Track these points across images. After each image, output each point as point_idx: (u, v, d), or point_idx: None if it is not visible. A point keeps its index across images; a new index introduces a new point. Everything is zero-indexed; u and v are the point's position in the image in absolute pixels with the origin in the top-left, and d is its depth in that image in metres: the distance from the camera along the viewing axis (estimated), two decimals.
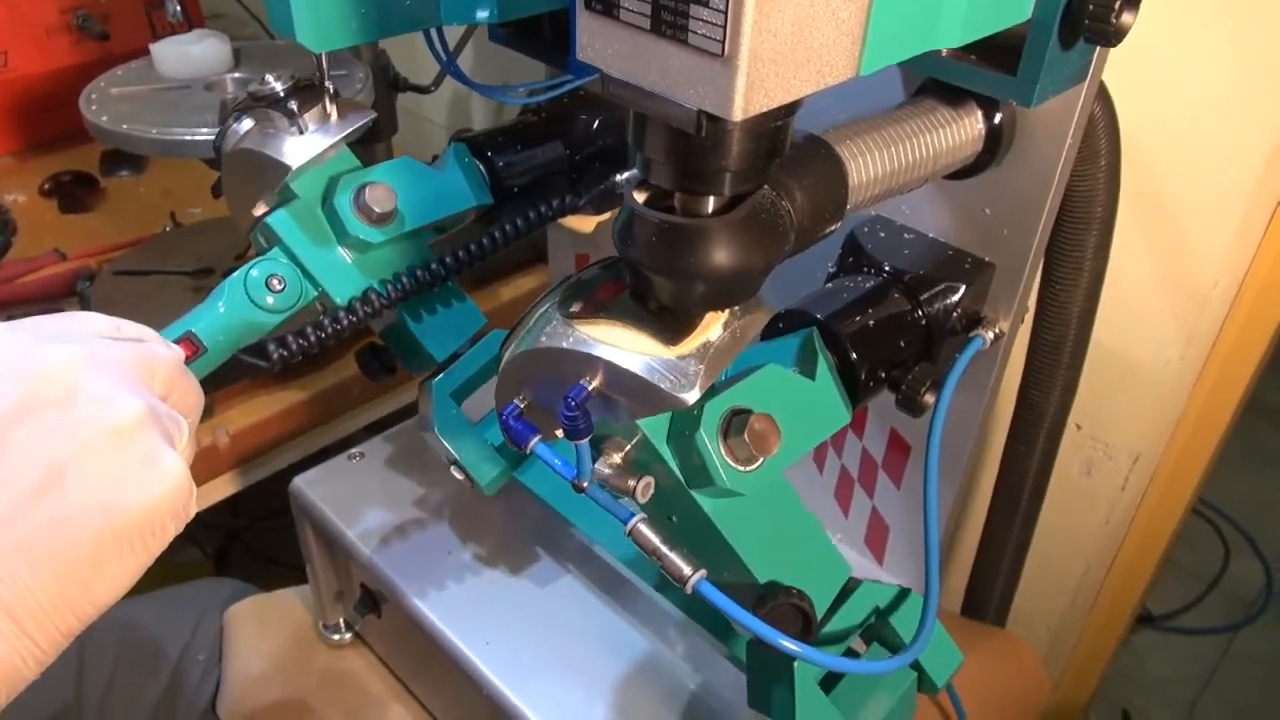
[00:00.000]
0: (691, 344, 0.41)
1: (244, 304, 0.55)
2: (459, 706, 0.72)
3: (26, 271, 1.09)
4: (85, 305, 1.01)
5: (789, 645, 0.44)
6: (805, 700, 0.50)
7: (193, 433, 0.40)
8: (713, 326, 0.42)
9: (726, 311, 0.43)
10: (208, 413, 0.70)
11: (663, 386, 0.40)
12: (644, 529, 0.44)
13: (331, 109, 0.58)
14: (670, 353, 0.41)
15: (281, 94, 0.56)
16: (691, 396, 0.40)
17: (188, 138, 0.82)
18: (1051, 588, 1.02)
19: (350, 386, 1.00)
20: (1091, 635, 1.05)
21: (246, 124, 0.58)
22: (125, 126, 0.83)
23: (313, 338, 0.57)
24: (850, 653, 0.54)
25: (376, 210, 0.57)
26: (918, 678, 0.58)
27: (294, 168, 0.56)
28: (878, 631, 0.55)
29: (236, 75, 0.95)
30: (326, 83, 0.57)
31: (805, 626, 0.46)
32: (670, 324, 0.42)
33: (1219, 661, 1.66)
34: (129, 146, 0.84)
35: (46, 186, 1.27)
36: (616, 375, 0.41)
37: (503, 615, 0.67)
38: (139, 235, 1.15)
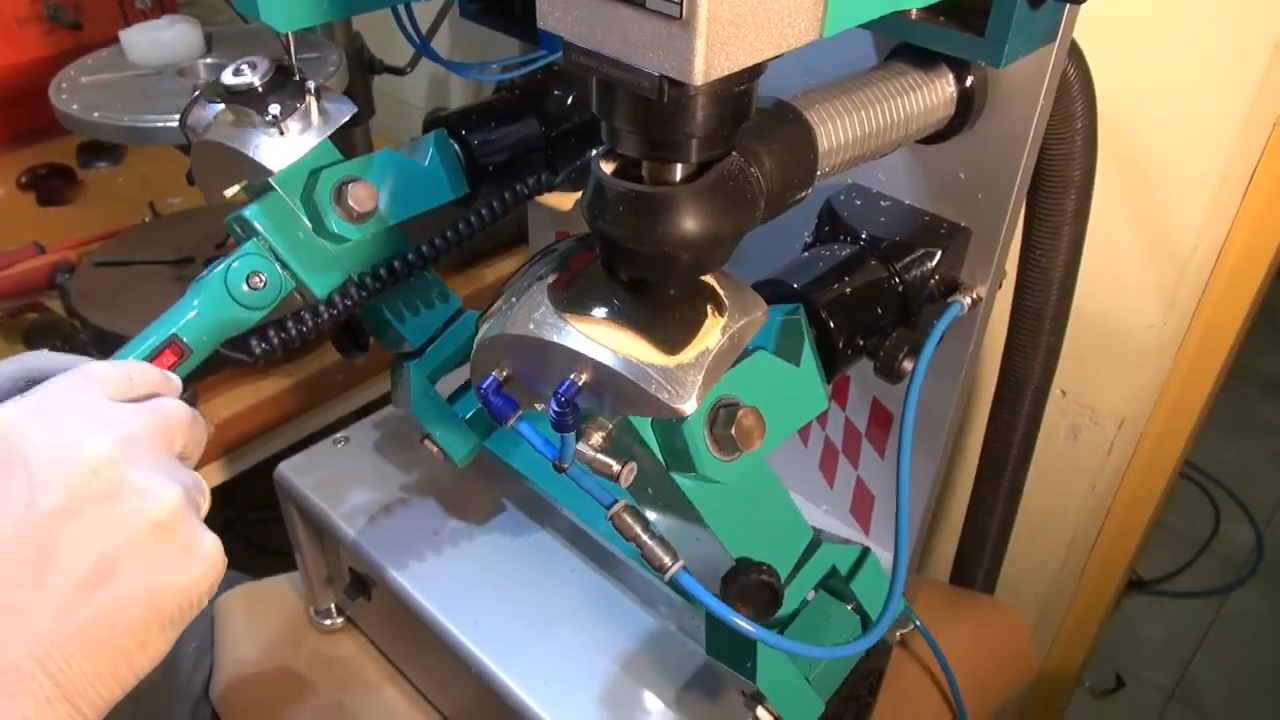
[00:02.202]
0: (691, 352, 0.40)
1: (225, 302, 0.55)
2: (451, 686, 0.72)
3: (4, 266, 1.08)
4: (65, 297, 1.00)
5: (772, 639, 0.46)
6: (765, 652, 0.52)
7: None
8: (712, 332, 0.41)
9: (725, 315, 0.42)
10: (190, 402, 0.70)
11: (661, 397, 0.39)
12: (626, 516, 0.45)
13: (312, 105, 0.56)
14: (669, 361, 0.40)
15: (260, 88, 0.54)
16: (689, 407, 0.39)
17: (160, 125, 0.81)
18: (1040, 554, 1.03)
19: (334, 372, 0.99)
20: (1082, 601, 1.06)
21: (216, 110, 0.57)
22: (96, 115, 0.82)
23: (293, 331, 0.57)
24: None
25: (357, 209, 0.57)
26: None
27: (276, 170, 0.55)
28: (826, 580, 0.56)
29: (209, 60, 0.94)
30: (308, 81, 0.55)
31: (772, 599, 0.47)
32: (669, 328, 0.40)
33: (1211, 624, 1.68)
34: (101, 135, 0.83)
35: (23, 180, 1.26)
36: (611, 378, 0.40)
37: (490, 593, 0.67)
38: (118, 226, 1.14)
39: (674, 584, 0.44)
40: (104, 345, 0.95)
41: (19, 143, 1.34)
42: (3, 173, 1.28)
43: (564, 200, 0.77)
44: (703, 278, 0.42)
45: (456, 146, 0.65)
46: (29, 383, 0.44)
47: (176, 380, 0.45)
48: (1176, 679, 1.59)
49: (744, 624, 0.45)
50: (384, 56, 1.10)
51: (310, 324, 0.58)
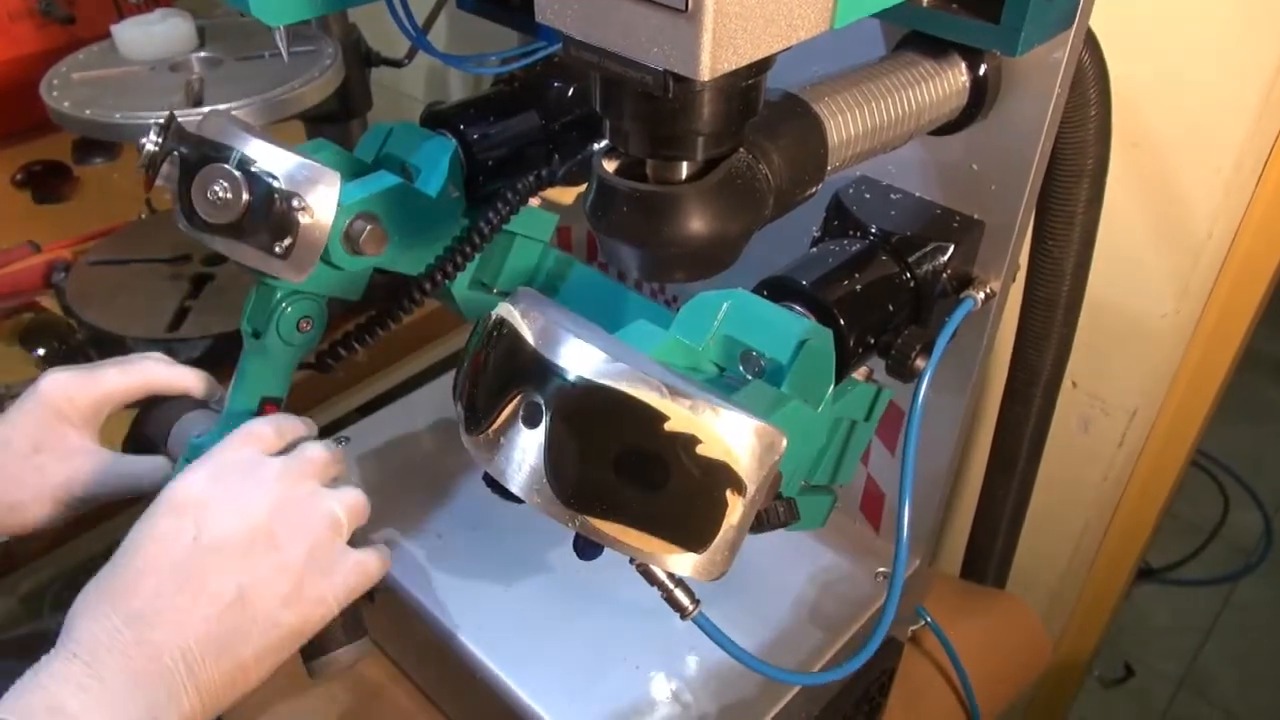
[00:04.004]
0: (717, 538, 0.39)
1: (282, 348, 0.62)
2: (456, 690, 0.71)
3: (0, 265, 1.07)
4: (61, 297, 0.99)
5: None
6: None
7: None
8: (734, 509, 0.39)
9: (744, 498, 0.39)
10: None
11: (699, 580, 0.41)
12: (652, 566, 0.45)
13: (303, 219, 0.54)
14: (699, 551, 0.39)
15: (246, 215, 0.53)
16: (719, 573, 0.41)
17: (152, 121, 0.79)
18: (1051, 546, 1.02)
19: (335, 370, 0.98)
20: (1092, 591, 1.05)
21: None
22: (89, 111, 0.80)
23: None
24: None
25: (366, 252, 0.58)
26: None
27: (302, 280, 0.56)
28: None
29: (202, 55, 0.92)
30: (294, 201, 0.53)
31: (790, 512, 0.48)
32: (691, 526, 0.39)
33: (1220, 612, 1.67)
34: (93, 132, 0.82)
35: (19, 177, 1.24)
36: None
37: (495, 596, 0.66)
38: (115, 224, 1.13)
39: (695, 624, 0.47)
40: (101, 345, 0.94)
41: (13, 139, 1.33)
42: None
43: (565, 194, 0.75)
44: (712, 455, 0.38)
45: (462, 157, 0.64)
46: (148, 399, 0.65)
47: (311, 423, 0.59)
48: (1186, 667, 1.59)
49: (763, 666, 0.47)
50: (381, 49, 1.08)
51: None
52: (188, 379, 0.66)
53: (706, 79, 0.31)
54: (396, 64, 1.07)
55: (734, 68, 0.31)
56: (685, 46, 0.30)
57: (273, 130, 0.64)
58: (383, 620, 0.77)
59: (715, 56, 0.31)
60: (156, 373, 0.65)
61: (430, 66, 1.29)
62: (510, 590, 0.67)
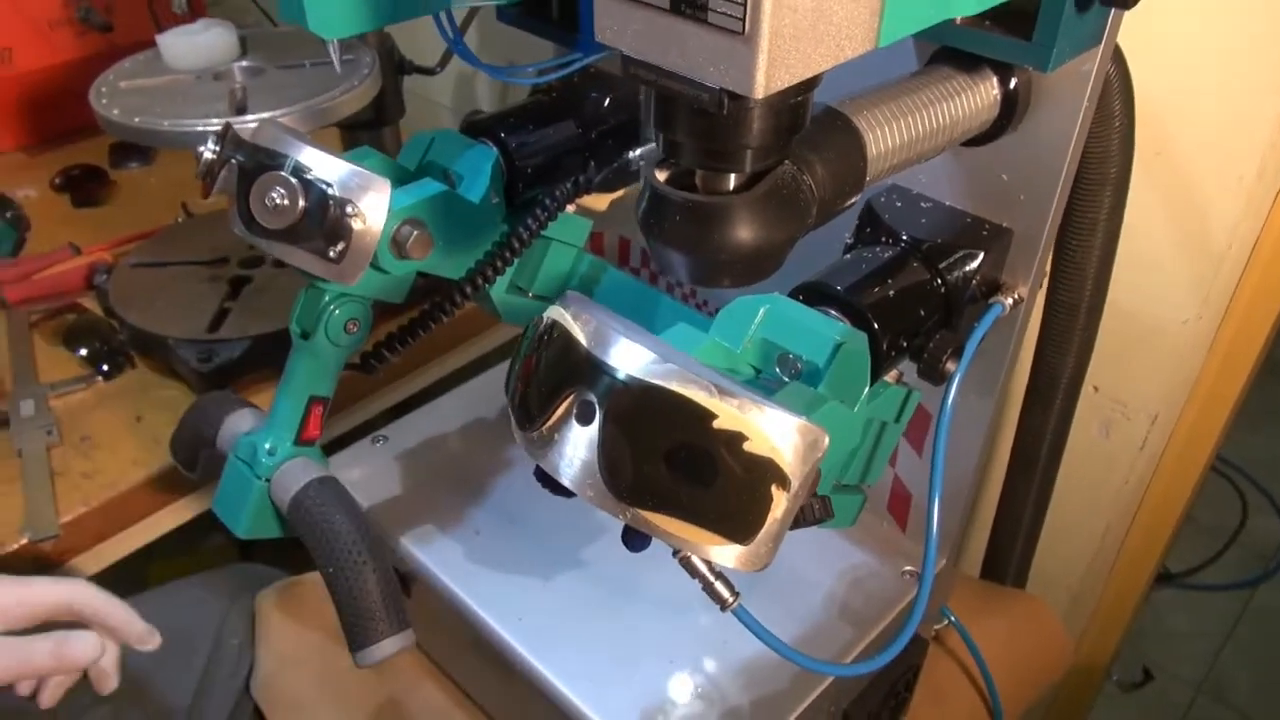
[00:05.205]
0: (761, 531, 0.41)
1: (330, 349, 0.64)
2: (493, 682, 0.73)
3: (42, 267, 1.09)
4: (104, 299, 1.02)
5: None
6: None
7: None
8: (778, 503, 0.41)
9: (789, 493, 0.41)
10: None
11: (743, 570, 0.42)
12: (692, 557, 0.46)
13: (356, 224, 0.56)
14: (744, 543, 0.41)
15: (301, 221, 0.55)
16: (763, 564, 0.42)
17: (199, 128, 0.82)
18: (1071, 549, 1.03)
19: (378, 371, 1.00)
20: (1112, 595, 1.06)
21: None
22: (138, 120, 0.83)
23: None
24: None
25: (412, 257, 0.60)
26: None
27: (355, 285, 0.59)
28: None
29: (244, 64, 0.95)
30: (348, 208, 0.55)
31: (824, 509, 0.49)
32: (738, 519, 0.41)
33: (1239, 617, 1.67)
34: (141, 139, 0.84)
35: (57, 181, 1.27)
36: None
37: (533, 591, 0.68)
38: (151, 227, 1.16)
39: (735, 615, 0.48)
40: (142, 345, 0.96)
41: (51, 144, 1.36)
42: (36, 174, 1.29)
43: (599, 201, 0.78)
44: (758, 452, 0.40)
45: (500, 159, 0.66)
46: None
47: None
48: (1204, 672, 1.59)
49: (798, 657, 0.49)
50: (412, 57, 1.10)
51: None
52: (118, 614, 0.61)
53: (761, 97, 0.33)
54: (429, 72, 1.09)
55: (786, 85, 0.33)
56: (741, 66, 0.32)
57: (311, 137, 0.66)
58: (419, 615, 0.79)
59: (769, 75, 0.32)
60: (87, 598, 0.60)
61: (459, 74, 1.31)
62: (546, 584, 0.69)
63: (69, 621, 0.60)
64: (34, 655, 0.56)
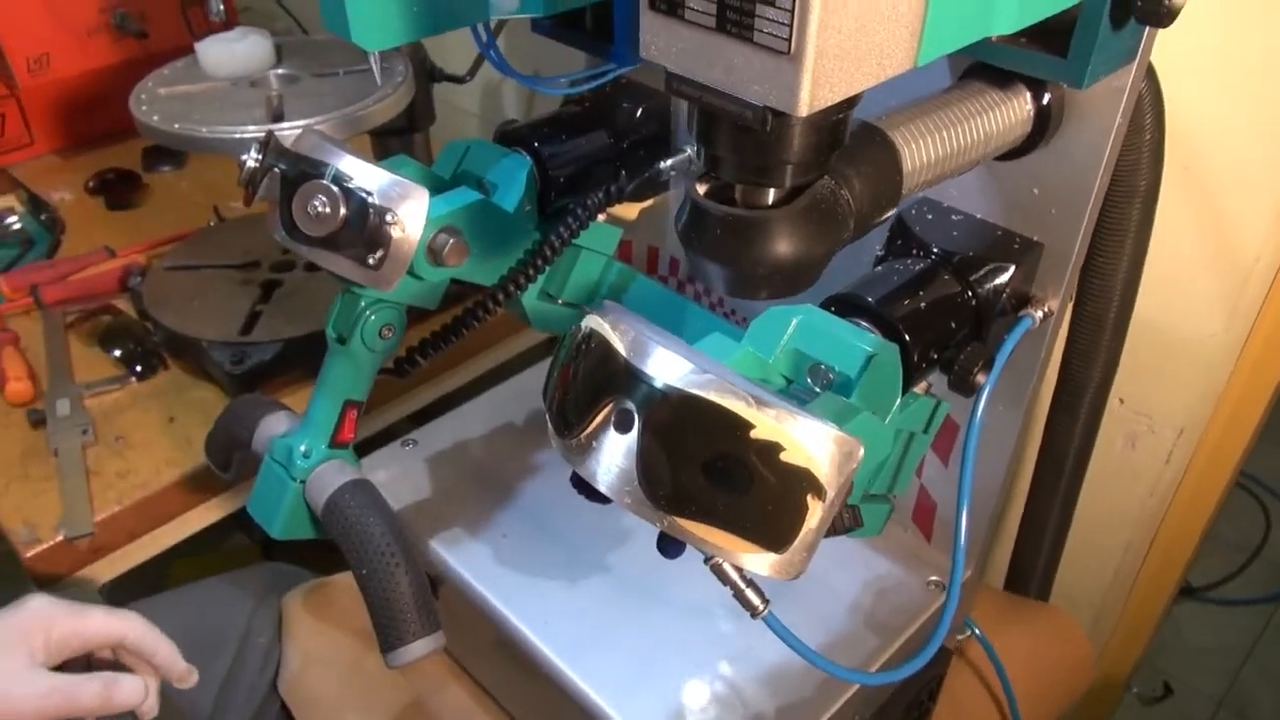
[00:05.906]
0: (796, 540, 0.41)
1: (365, 354, 0.65)
2: (519, 685, 0.74)
3: (78, 269, 1.11)
4: (138, 301, 1.03)
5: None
6: None
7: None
8: (814, 512, 0.41)
9: (824, 503, 0.42)
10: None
11: (777, 578, 0.43)
12: (724, 565, 0.47)
13: (394, 232, 0.57)
14: (779, 551, 0.42)
15: (343, 228, 0.56)
16: (797, 573, 0.43)
17: (237, 135, 0.83)
18: (1095, 561, 1.02)
19: (410, 375, 1.01)
20: (1134, 608, 1.06)
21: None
22: (177, 126, 0.84)
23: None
24: None
25: (448, 264, 0.61)
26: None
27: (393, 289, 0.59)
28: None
29: (280, 71, 0.96)
30: (387, 216, 0.56)
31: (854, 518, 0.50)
32: (773, 528, 0.41)
33: (1261, 632, 1.66)
34: (181, 145, 0.86)
35: (92, 184, 1.29)
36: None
37: (560, 594, 0.69)
38: (183, 230, 1.18)
39: (765, 623, 0.48)
40: (175, 346, 0.98)
41: (85, 147, 1.38)
42: (72, 177, 1.31)
43: (629, 210, 0.79)
44: (794, 462, 0.40)
45: (534, 169, 0.67)
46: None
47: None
48: (1226, 687, 1.58)
49: (827, 665, 0.50)
50: (442, 65, 1.12)
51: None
52: (164, 652, 0.61)
53: (804, 114, 0.33)
54: (459, 80, 1.11)
55: (829, 104, 0.34)
56: (786, 85, 0.33)
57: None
58: (445, 617, 0.80)
59: (813, 94, 0.33)
60: (139, 635, 0.60)
61: (486, 83, 1.33)
62: (573, 588, 0.69)
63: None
64: (81, 696, 0.55)
